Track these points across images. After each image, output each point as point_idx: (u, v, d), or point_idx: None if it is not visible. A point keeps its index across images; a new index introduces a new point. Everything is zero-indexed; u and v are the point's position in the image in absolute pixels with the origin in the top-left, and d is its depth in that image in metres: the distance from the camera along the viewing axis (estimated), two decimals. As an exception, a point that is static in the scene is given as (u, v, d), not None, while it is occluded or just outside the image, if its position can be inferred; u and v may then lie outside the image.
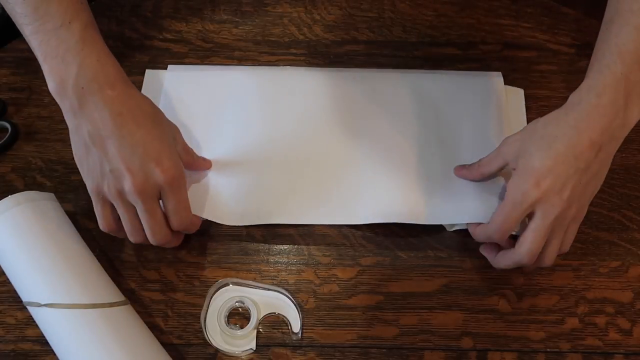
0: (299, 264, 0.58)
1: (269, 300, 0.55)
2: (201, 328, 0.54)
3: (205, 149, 0.60)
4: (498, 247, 0.55)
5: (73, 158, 0.52)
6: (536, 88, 0.67)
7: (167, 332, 0.54)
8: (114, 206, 0.52)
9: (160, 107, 0.55)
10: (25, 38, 0.50)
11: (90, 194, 0.52)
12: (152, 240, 0.52)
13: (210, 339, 0.53)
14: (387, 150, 0.61)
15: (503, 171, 0.56)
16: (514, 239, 0.53)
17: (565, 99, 0.51)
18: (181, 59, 0.69)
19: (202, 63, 0.68)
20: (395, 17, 0.73)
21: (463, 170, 0.58)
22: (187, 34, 0.71)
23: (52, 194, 0.56)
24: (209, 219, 0.57)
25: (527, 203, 0.50)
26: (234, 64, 0.68)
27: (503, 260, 0.54)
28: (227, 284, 0.56)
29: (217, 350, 0.53)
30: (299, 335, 0.54)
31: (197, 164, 0.58)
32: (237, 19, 0.72)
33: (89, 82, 0.49)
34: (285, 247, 0.58)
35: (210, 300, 0.55)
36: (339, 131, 0.62)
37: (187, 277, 0.57)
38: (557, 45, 0.71)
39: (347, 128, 0.63)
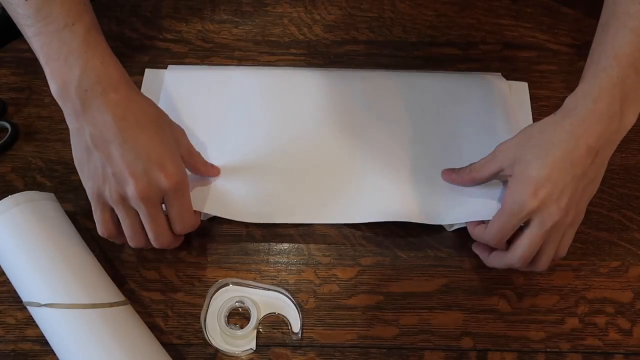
0: (299, 264, 0.58)
1: (269, 300, 0.55)
2: (201, 328, 0.54)
3: (204, 149, 0.60)
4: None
5: (73, 158, 0.51)
6: (536, 88, 0.67)
7: (167, 332, 0.54)
8: (113, 211, 0.51)
9: (160, 106, 0.55)
10: (27, 40, 0.50)
11: (90, 198, 0.51)
12: (155, 244, 0.52)
13: (210, 339, 0.53)
14: (388, 150, 0.61)
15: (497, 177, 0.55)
16: (508, 241, 0.53)
17: (565, 99, 0.51)
18: (181, 59, 0.69)
19: (202, 63, 0.68)
20: (395, 17, 0.73)
21: (452, 175, 0.58)
22: (187, 34, 0.71)
23: (52, 194, 0.56)
24: (208, 212, 0.57)
25: (525, 212, 0.49)
26: (234, 64, 0.68)
27: (495, 261, 0.54)
28: (227, 284, 0.56)
29: (217, 350, 0.53)
30: (299, 335, 0.54)
31: (203, 169, 0.57)
32: (237, 19, 0.72)
33: (93, 85, 0.48)
34: (285, 247, 0.58)
35: (210, 300, 0.55)
36: (339, 131, 0.62)
37: (187, 277, 0.57)
38: (557, 45, 0.71)
39: (347, 128, 0.63)
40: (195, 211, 0.54)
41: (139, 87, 0.65)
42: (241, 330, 0.53)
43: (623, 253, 0.59)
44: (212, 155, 0.60)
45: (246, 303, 0.54)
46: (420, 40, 0.71)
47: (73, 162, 0.51)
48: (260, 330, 0.54)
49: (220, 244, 0.58)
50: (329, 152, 0.61)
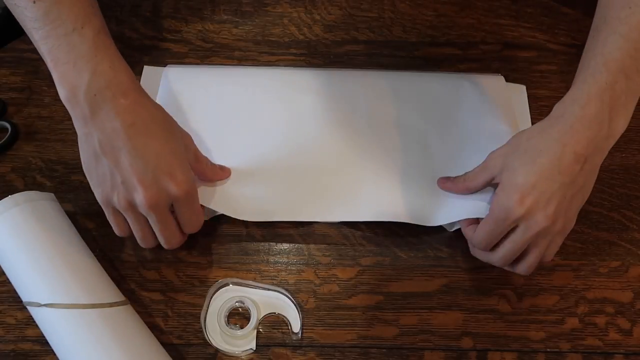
0: (299, 264, 0.58)
1: (269, 300, 0.55)
2: (201, 328, 0.54)
3: (202, 148, 0.60)
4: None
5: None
6: (536, 88, 0.67)
7: (167, 332, 0.54)
8: None
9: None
10: (34, 43, 0.49)
11: (100, 204, 0.51)
12: (166, 246, 0.53)
13: (210, 339, 0.53)
14: (387, 150, 0.61)
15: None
16: None
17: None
18: (181, 59, 0.69)
19: (202, 63, 0.68)
20: (395, 17, 0.73)
21: (448, 183, 0.57)
22: (187, 34, 0.71)
23: (52, 194, 0.56)
24: (210, 207, 0.57)
25: (511, 220, 0.49)
26: (234, 64, 0.68)
27: (478, 255, 0.55)
28: (227, 284, 0.56)
29: (217, 350, 0.53)
30: (299, 335, 0.54)
31: (210, 174, 0.57)
32: (237, 19, 0.72)
33: (102, 90, 0.47)
34: (285, 247, 0.58)
35: (210, 300, 0.55)
36: (339, 131, 0.62)
37: (187, 277, 0.57)
38: (557, 45, 0.71)
39: (347, 128, 0.63)
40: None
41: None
42: (241, 330, 0.53)
43: (623, 253, 0.59)
44: (211, 154, 0.60)
45: (246, 303, 0.54)
46: (420, 40, 0.71)
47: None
48: (260, 330, 0.54)
49: (220, 244, 0.58)
50: (329, 152, 0.61)
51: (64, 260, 0.51)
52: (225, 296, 0.55)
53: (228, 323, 0.54)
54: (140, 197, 0.48)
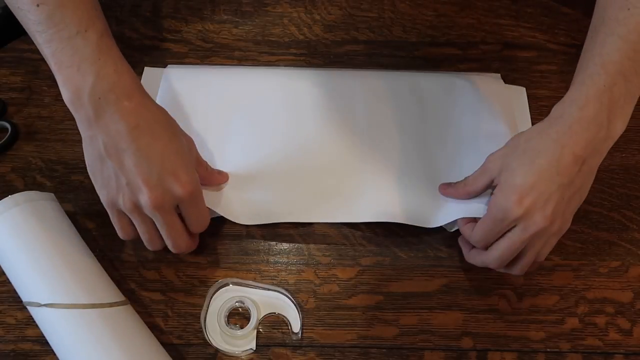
0: (299, 264, 0.58)
1: (269, 300, 0.55)
2: (201, 328, 0.54)
3: (202, 149, 0.60)
4: None
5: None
6: (536, 88, 0.67)
7: (167, 332, 0.54)
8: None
9: None
10: (37, 46, 0.49)
11: (105, 206, 0.51)
12: (173, 250, 0.53)
13: (210, 339, 0.53)
14: (387, 150, 0.61)
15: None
16: None
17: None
18: (181, 59, 0.69)
19: (202, 63, 0.68)
20: (395, 17, 0.73)
21: (449, 189, 0.57)
22: (187, 34, 0.71)
23: (52, 194, 0.56)
24: (216, 210, 0.57)
25: (509, 220, 0.49)
26: (234, 64, 0.68)
27: (474, 258, 0.54)
28: (227, 284, 0.56)
29: (217, 350, 0.53)
30: (299, 335, 0.54)
31: (210, 178, 0.57)
32: (237, 19, 0.72)
33: (106, 93, 0.48)
34: (285, 247, 0.58)
35: (210, 300, 0.55)
36: (339, 131, 0.62)
37: (187, 277, 0.57)
38: (557, 45, 0.71)
39: (347, 128, 0.63)
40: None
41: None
42: (241, 330, 0.53)
43: (623, 253, 0.59)
44: (211, 154, 0.60)
45: (246, 303, 0.54)
46: (420, 40, 0.71)
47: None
48: (260, 330, 0.54)
49: (220, 244, 0.58)
50: (329, 152, 0.61)
51: (64, 260, 0.51)
52: (225, 296, 0.55)
53: (228, 323, 0.54)
54: (145, 198, 0.48)
